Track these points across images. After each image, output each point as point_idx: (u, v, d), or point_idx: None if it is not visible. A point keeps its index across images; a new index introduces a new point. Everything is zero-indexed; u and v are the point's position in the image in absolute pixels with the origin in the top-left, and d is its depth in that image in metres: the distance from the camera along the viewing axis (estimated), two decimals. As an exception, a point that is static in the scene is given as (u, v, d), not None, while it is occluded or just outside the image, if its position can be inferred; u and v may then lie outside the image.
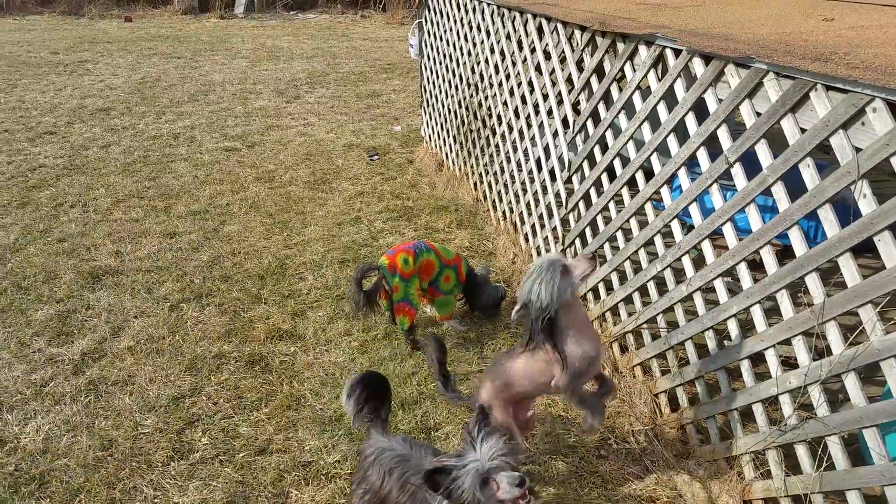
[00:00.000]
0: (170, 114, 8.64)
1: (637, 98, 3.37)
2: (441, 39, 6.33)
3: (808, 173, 2.35)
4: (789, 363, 2.57)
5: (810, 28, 3.05)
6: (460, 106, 6.04)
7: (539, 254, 4.61)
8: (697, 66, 2.87)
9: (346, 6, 20.18)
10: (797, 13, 3.47)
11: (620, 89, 3.51)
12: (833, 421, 2.29)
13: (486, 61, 5.30)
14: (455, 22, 5.87)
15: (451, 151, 6.49)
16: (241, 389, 3.50)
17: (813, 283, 2.37)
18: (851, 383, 2.23)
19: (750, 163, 2.68)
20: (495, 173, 5.43)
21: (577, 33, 3.90)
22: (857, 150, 2.14)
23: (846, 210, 2.22)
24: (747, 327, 2.79)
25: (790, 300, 2.51)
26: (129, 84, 10.13)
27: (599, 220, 3.84)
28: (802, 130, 2.35)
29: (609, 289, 3.78)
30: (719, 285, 2.88)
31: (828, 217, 2.28)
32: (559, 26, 4.10)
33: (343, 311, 4.16)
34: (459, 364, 3.70)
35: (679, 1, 4.22)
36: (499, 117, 5.20)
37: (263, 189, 6.20)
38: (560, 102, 4.22)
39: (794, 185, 2.43)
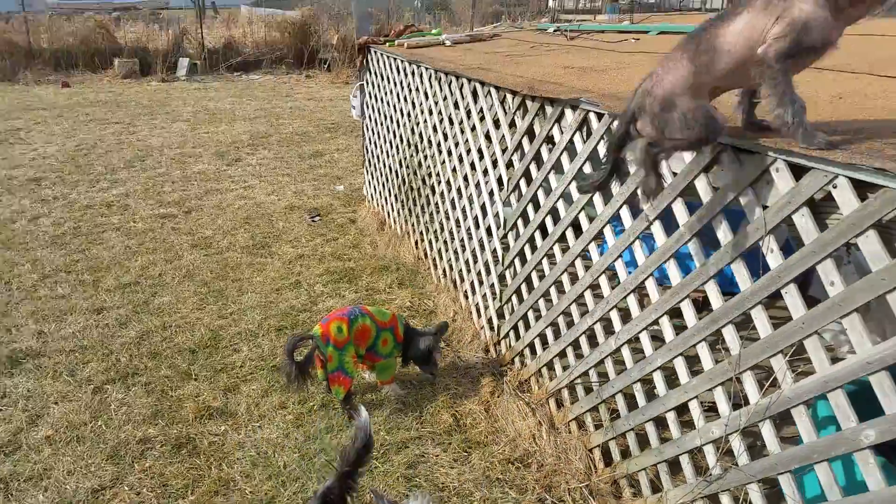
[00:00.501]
0: (104, 181, 8.46)
1: (565, 158, 3.51)
2: (382, 101, 6.48)
3: (721, 230, 2.48)
4: (716, 411, 2.65)
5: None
6: (401, 165, 6.15)
7: (478, 312, 4.66)
8: (618, 129, 3.02)
9: (290, 66, 20.41)
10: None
11: (550, 150, 3.65)
12: (752, 469, 2.36)
13: (426, 122, 5.44)
14: (395, 84, 6.03)
15: (392, 210, 6.56)
16: (167, 476, 3.31)
17: (729, 334, 2.47)
18: (767, 431, 2.31)
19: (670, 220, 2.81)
20: (435, 231, 5.51)
21: (509, 97, 4.06)
22: (765, 207, 2.28)
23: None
24: (673, 378, 2.87)
25: (709, 351, 2.60)
26: (63, 152, 9.91)
27: (534, 276, 3.92)
28: (715, 189, 2.49)
29: (545, 344, 3.84)
30: (644, 338, 2.96)
31: (740, 271, 2.40)
32: (492, 90, 4.26)
33: (278, 383, 4.03)
34: (398, 431, 3.66)
35: (603, 64, 4.44)
36: (438, 176, 5.31)
37: (199, 256, 6.09)
38: (495, 163, 4.35)
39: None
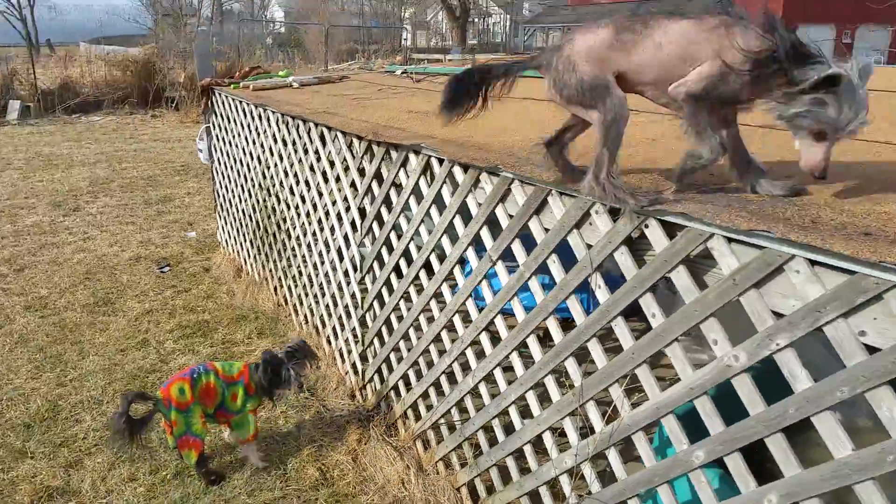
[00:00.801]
0: (-81, 240, 7.62)
1: (413, 202, 3.57)
2: (231, 144, 6.30)
3: (554, 268, 2.61)
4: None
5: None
6: (255, 210, 5.99)
7: (342, 357, 4.61)
8: (459, 173, 3.12)
9: (135, 106, 19.35)
10: (543, 119, 3.90)
11: (398, 193, 3.71)
12: (604, 496, 2.48)
13: (276, 166, 5.34)
14: (243, 127, 5.88)
15: (248, 256, 6.36)
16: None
17: (571, 366, 2.60)
18: (613, 458, 2.45)
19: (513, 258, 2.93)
20: (294, 277, 5.40)
21: (356, 141, 4.08)
22: (589, 246, 2.42)
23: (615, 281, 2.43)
24: (528, 411, 2.96)
25: (556, 384, 2.72)
26: None
27: (393, 318, 3.94)
28: (546, 230, 2.63)
29: (408, 386, 3.85)
30: (498, 374, 3.05)
31: (574, 307, 2.54)
32: (339, 135, 4.26)
33: (126, 454, 3.75)
34: (261, 493, 3.51)
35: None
36: (293, 220, 5.22)
37: (33, 319, 5.58)
38: (348, 207, 4.34)
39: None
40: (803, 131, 1.99)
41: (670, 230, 2.12)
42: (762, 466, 2.06)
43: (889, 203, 2.04)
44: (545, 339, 2.74)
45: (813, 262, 1.72)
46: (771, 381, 2.05)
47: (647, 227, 2.15)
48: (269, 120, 5.33)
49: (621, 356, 2.32)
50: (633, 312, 2.33)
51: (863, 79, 1.86)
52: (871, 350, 1.63)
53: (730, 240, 1.92)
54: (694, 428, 2.19)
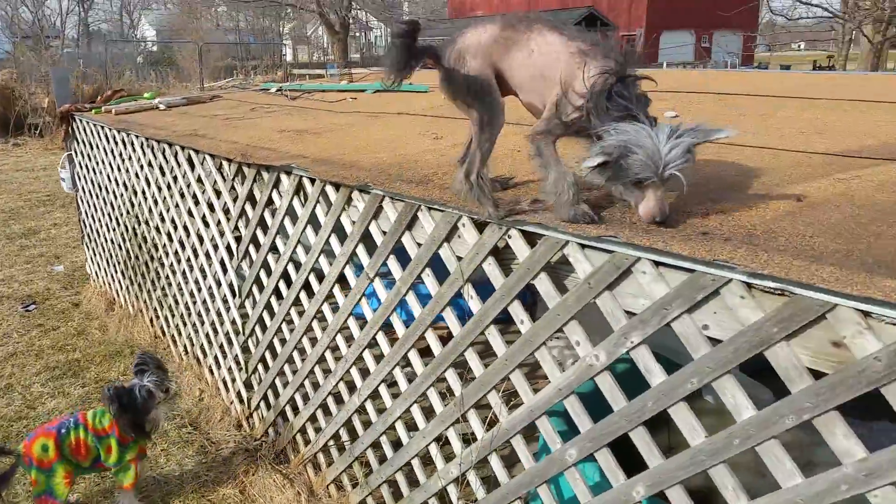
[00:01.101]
0: None
1: (288, 223, 3.51)
2: (95, 171, 5.95)
3: (429, 281, 2.64)
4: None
5: (423, 148, 3.49)
6: (125, 239, 5.69)
7: (226, 386, 4.44)
8: (331, 192, 3.10)
9: (-8, 134, 17.94)
10: (414, 134, 3.95)
11: (273, 215, 3.63)
12: (489, 502, 2.53)
13: (145, 192, 5.10)
14: (107, 153, 5.58)
15: (121, 288, 6.03)
16: None
17: (451, 377, 2.64)
18: (495, 462, 2.50)
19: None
20: (170, 306, 5.16)
21: (226, 164, 3.96)
22: (460, 258, 2.47)
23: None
24: (414, 425, 2.97)
25: (438, 395, 2.75)
26: None
27: (276, 342, 3.85)
28: (419, 245, 2.65)
29: (295, 410, 3.77)
30: (384, 391, 3.05)
31: (451, 319, 2.58)
32: (208, 157, 4.13)
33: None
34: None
35: (320, 126, 4.54)
36: (166, 248, 5.00)
37: None
38: (222, 231, 4.21)
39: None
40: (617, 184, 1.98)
41: (531, 239, 2.19)
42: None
43: (725, 202, 2.21)
44: (428, 351, 2.77)
45: (657, 263, 1.84)
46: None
47: (510, 237, 2.22)
48: (133, 145, 5.08)
49: (496, 363, 2.38)
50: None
51: (674, 138, 1.84)
52: (715, 342, 1.76)
53: (583, 246, 2.01)
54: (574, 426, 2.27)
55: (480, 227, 2.34)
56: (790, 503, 1.62)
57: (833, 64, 28.94)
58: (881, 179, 2.26)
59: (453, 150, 3.41)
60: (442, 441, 2.78)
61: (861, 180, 2.28)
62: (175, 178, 4.61)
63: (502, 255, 2.36)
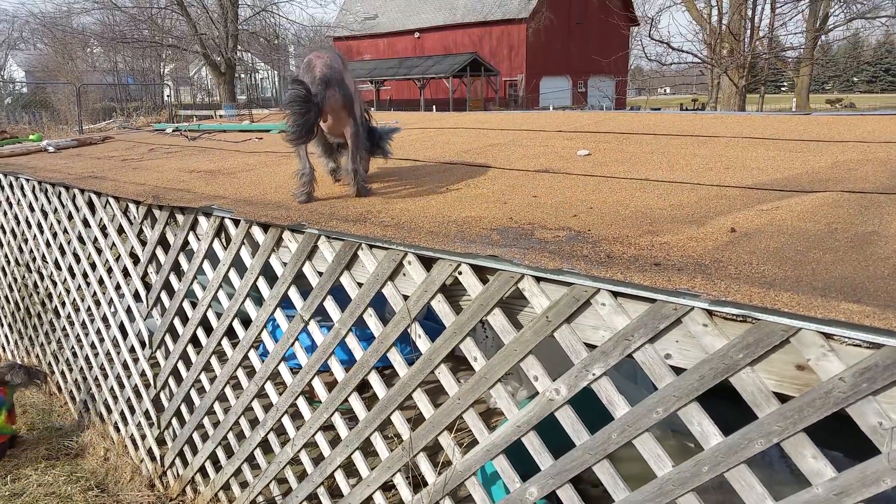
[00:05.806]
0: None
1: (208, 266, 3.33)
2: (-27, 218, 5.45)
3: (372, 322, 2.57)
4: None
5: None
6: (12, 289, 5.23)
7: (135, 444, 4.11)
8: (258, 233, 2.97)
9: None
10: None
11: (189, 259, 3.43)
12: (443, 548, 2.45)
13: (37, 238, 4.71)
14: (-11, 198, 5.13)
15: (8, 343, 5.51)
16: None
17: (398, 420, 2.55)
18: (449, 507, 2.43)
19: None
20: (67, 360, 4.76)
21: (133, 207, 3.73)
22: (406, 297, 2.42)
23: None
24: (356, 473, 2.85)
25: (384, 441, 2.65)
26: None
27: (194, 393, 3.61)
28: (360, 284, 2.58)
29: (217, 466, 3.53)
30: (321, 439, 2.91)
31: (396, 359, 2.51)
32: (111, 200, 3.87)
33: None
34: None
35: (231, 166, 4.35)
36: (61, 297, 4.62)
37: None
38: (128, 277, 3.93)
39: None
40: None
41: (481, 274, 2.18)
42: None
43: (663, 234, 2.29)
44: (371, 395, 2.67)
45: (616, 294, 1.87)
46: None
47: (460, 273, 2.20)
48: (22, 188, 4.71)
49: (447, 403, 2.33)
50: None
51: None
52: (678, 371, 1.79)
53: (539, 279, 2.02)
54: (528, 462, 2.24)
55: (427, 264, 2.31)
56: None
57: (702, 105, 31.35)
58: (800, 210, 2.42)
59: (382, 188, 3.37)
60: (389, 488, 2.68)
61: (782, 210, 2.43)
62: (72, 222, 4.29)
63: (451, 292, 2.33)
